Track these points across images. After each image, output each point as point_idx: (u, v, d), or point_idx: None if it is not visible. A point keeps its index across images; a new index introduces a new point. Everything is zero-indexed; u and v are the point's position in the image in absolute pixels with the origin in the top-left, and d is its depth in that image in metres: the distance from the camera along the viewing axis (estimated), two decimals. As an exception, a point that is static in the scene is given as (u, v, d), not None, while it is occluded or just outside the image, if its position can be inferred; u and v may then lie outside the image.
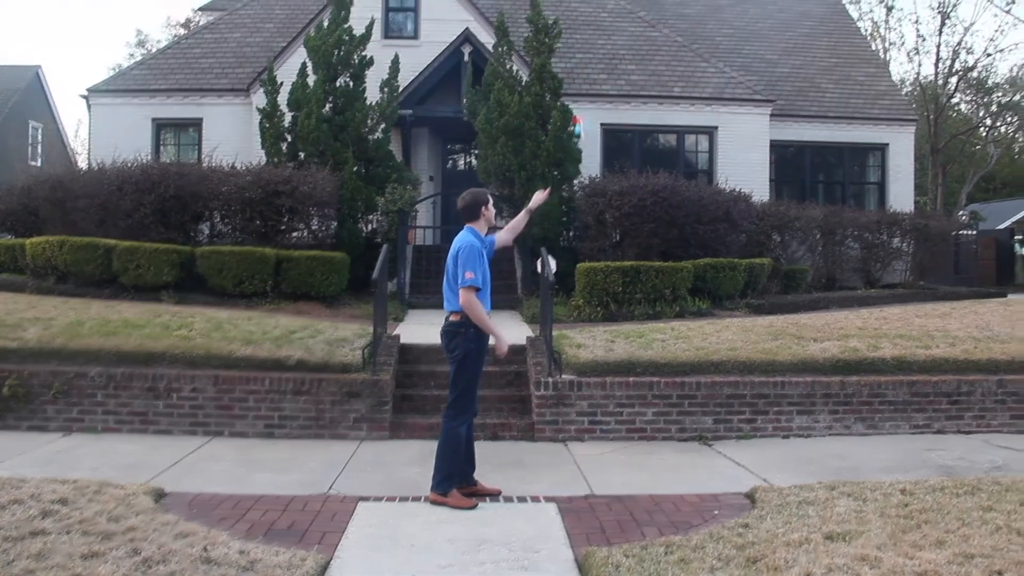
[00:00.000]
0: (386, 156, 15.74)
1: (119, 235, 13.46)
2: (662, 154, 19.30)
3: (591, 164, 17.23)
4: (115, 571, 4.47)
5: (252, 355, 9.07)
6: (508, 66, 15.53)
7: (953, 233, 23.41)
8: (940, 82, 37.39)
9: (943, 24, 36.00)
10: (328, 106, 15.36)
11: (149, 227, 13.74)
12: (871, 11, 38.44)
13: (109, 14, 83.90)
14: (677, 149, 19.48)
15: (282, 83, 15.57)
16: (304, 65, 15.63)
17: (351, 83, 15.64)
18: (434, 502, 6.20)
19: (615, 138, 19.08)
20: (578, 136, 15.49)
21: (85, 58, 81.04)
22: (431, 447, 6.62)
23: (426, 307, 13.68)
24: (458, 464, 6.31)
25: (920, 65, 41.81)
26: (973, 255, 26.66)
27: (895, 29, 44.63)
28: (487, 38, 17.37)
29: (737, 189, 15.71)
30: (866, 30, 37.62)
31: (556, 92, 15.55)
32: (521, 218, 6.95)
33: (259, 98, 16.75)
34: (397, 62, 16.06)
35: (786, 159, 20.81)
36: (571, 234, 15.55)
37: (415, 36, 18.72)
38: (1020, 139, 45.93)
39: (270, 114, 15.39)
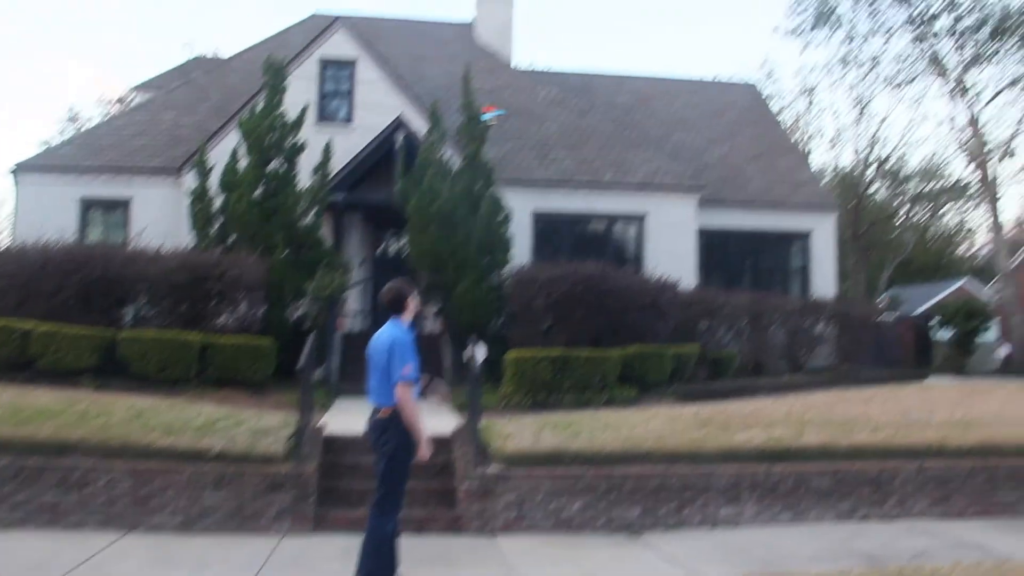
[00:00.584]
0: (317, 241, 15.71)
1: (40, 316, 13.10)
2: (592, 240, 19.57)
3: (522, 251, 17.39)
4: None
5: (172, 446, 8.83)
6: (440, 153, 15.72)
7: (874, 318, 24.04)
8: (859, 171, 38.90)
9: (860, 117, 37.67)
10: (260, 190, 15.33)
11: (72, 309, 13.39)
12: (792, 103, 39.93)
13: (42, 88, 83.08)
14: (607, 235, 19.78)
15: (214, 165, 15.53)
16: (237, 148, 15.65)
17: (283, 167, 15.65)
18: (356, 603, 6.05)
19: (546, 224, 19.28)
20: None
21: (14, 134, 79.87)
22: (355, 541, 6.50)
23: (355, 394, 13.48)
24: (382, 564, 6.18)
25: (839, 155, 43.62)
26: (894, 339, 27.32)
27: (815, 121, 46.39)
28: (420, 124, 17.57)
29: (665, 276, 15.98)
30: (789, 121, 39.12)
31: (488, 179, 15.76)
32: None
33: (190, 180, 16.65)
34: (329, 148, 16.17)
35: (714, 245, 21.24)
36: (501, 321, 15.52)
37: (349, 121, 18.87)
38: (933, 226, 47.90)
39: (201, 196, 15.30)
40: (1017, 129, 31.35)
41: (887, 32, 31.10)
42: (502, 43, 23.96)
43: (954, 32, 29.26)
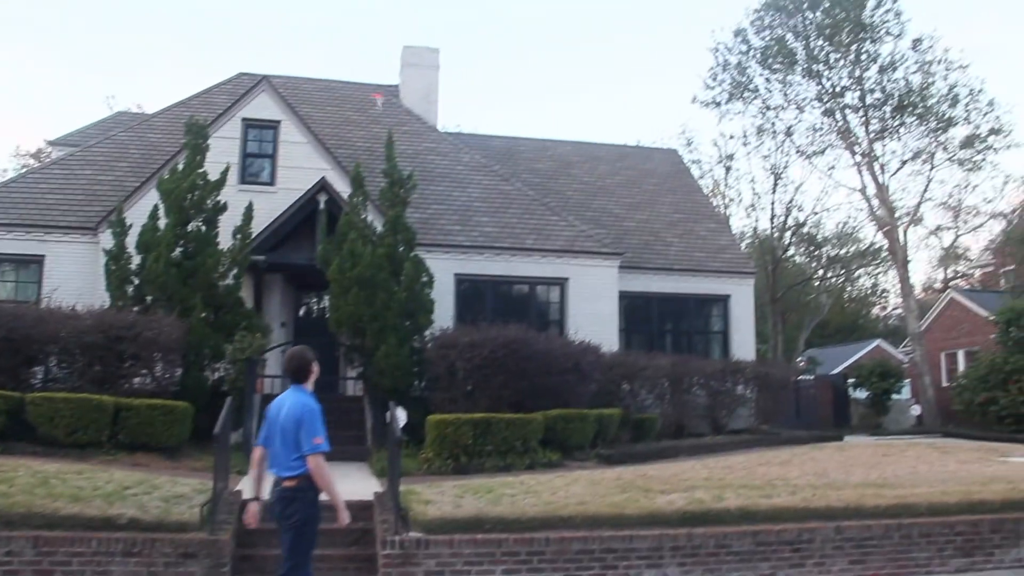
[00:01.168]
0: (236, 303, 15.49)
1: (-59, 378, 12.63)
2: (515, 304, 19.66)
3: (444, 314, 17.33)
4: None
5: (79, 513, 8.49)
6: (363, 216, 15.72)
7: (793, 379, 24.59)
8: (776, 236, 40.01)
9: (776, 184, 38.81)
10: (179, 250, 15.11)
11: (-24, 370, 12.95)
12: (711, 170, 40.98)
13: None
14: (529, 299, 19.89)
15: (132, 224, 15.27)
16: (156, 207, 15.43)
17: (203, 227, 15.47)
18: None
19: (468, 288, 19.30)
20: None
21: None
22: (269, 613, 6.32)
23: (273, 458, 13.23)
24: (298, 634, 6.02)
25: (757, 220, 44.68)
26: (812, 399, 28.00)
27: (734, 187, 47.73)
28: (343, 187, 17.55)
29: (587, 340, 16.13)
30: (708, 187, 40.14)
31: (410, 243, 15.80)
32: None
33: (107, 238, 16.30)
34: (251, 209, 16.04)
35: (635, 309, 21.53)
36: (423, 385, 15.40)
37: (271, 183, 18.75)
38: (848, 289, 49.44)
39: (117, 256, 15.00)
40: (923, 198, 32.95)
41: (799, 106, 32.40)
42: (427, 107, 24.15)
43: (861, 107, 30.62)
